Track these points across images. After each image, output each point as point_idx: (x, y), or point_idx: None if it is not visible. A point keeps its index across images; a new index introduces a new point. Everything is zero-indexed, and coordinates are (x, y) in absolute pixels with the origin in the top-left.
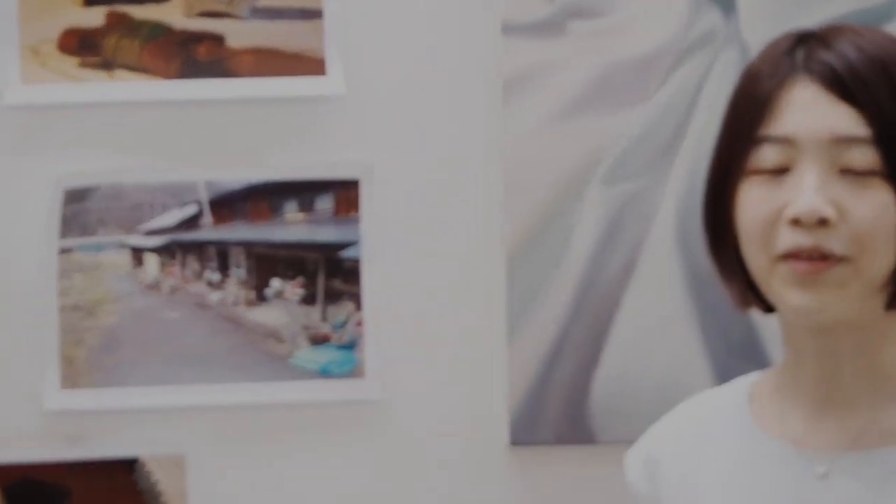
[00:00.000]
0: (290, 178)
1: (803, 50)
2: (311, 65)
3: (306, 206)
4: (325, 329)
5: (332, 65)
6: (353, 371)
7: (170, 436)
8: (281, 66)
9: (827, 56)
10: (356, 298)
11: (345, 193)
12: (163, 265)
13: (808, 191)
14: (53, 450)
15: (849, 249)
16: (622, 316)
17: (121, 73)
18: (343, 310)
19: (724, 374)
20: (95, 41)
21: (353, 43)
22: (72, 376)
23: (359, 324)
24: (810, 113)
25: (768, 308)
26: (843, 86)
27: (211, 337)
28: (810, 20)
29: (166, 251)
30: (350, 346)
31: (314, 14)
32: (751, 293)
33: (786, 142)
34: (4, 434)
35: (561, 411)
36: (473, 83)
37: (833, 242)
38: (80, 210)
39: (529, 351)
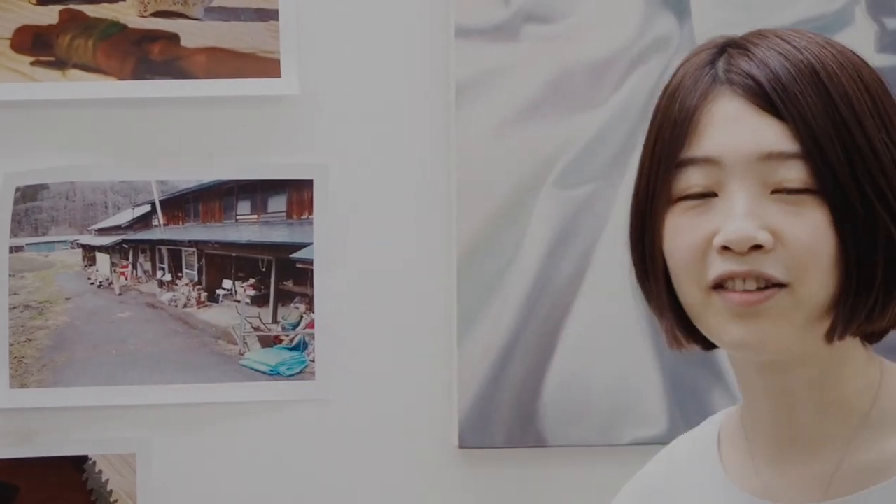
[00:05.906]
0: (244, 179)
1: (724, 60)
2: (266, 65)
3: (259, 207)
4: (276, 330)
5: (286, 66)
6: (304, 372)
7: (119, 434)
8: (235, 67)
9: (749, 65)
10: (308, 300)
11: (298, 194)
12: (114, 265)
13: (737, 216)
14: (2, 447)
15: (788, 275)
16: (573, 319)
17: (74, 73)
18: (295, 311)
19: (674, 378)
20: (49, 40)
21: (307, 44)
22: (21, 375)
23: (310, 325)
24: (734, 129)
25: (708, 345)
26: (767, 97)
27: (162, 337)
28: (765, 26)
29: (118, 251)
30: (301, 347)
31: (269, 15)
32: (681, 331)
33: (711, 163)
34: None
35: (511, 414)
36: (427, 86)
37: (770, 267)
38: (31, 208)
39: (480, 353)
